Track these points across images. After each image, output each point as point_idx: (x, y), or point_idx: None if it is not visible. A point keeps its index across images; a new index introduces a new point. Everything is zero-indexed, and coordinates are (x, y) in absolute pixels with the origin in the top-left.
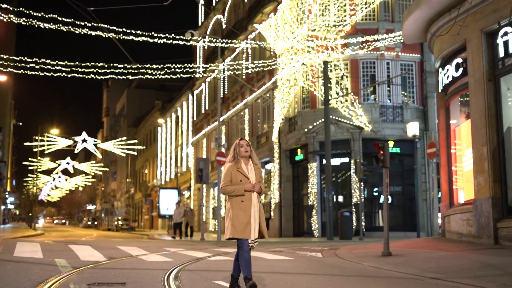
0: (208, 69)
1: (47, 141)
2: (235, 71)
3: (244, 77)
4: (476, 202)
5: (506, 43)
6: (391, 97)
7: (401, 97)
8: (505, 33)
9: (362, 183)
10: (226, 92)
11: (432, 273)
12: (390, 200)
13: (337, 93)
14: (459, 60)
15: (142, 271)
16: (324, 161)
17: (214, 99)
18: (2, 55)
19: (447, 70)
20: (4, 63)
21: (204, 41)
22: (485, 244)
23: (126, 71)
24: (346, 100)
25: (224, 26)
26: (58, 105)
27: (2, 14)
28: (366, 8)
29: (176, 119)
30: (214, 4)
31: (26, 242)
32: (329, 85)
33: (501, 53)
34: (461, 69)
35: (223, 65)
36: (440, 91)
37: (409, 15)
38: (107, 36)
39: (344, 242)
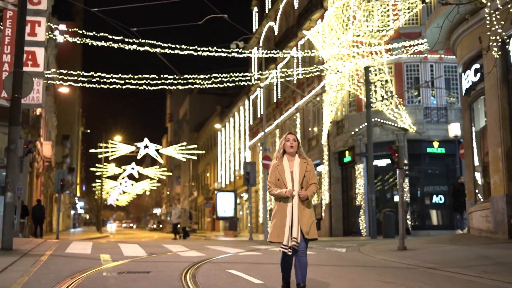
0: (261, 77)
1: (111, 147)
2: (279, 78)
3: (295, 82)
4: (492, 199)
5: None
6: (436, 98)
7: (445, 99)
8: None
9: (404, 183)
10: (279, 97)
11: (429, 264)
12: (442, 200)
13: (382, 96)
14: (477, 65)
15: (171, 263)
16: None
17: (269, 103)
18: (61, 70)
19: (468, 75)
20: (64, 78)
21: (250, 51)
22: (501, 239)
23: (175, 82)
24: (391, 103)
25: (276, 32)
26: (124, 111)
27: (57, 34)
28: (408, 12)
29: (234, 123)
30: (267, 12)
31: (81, 241)
32: (374, 88)
33: None
34: (479, 74)
35: (276, 71)
36: (463, 94)
37: (430, 24)
38: (154, 51)
39: (385, 240)
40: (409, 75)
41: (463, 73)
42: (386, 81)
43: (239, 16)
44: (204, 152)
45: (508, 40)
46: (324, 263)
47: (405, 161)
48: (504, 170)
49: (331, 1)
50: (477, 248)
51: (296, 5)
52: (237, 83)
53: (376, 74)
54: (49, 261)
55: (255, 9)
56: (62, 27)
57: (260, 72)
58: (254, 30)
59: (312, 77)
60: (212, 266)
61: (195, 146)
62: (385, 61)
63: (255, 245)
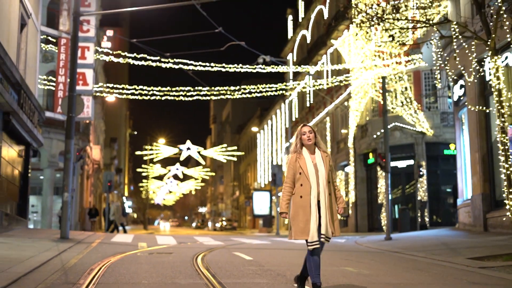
0: (286, 87)
1: (155, 150)
2: (311, 85)
3: (325, 88)
4: (472, 197)
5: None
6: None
7: None
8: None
9: (418, 183)
10: (311, 102)
11: (397, 249)
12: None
13: (402, 102)
14: (462, 82)
15: (193, 248)
16: (392, 164)
17: (302, 107)
18: (107, 84)
19: (456, 89)
20: (111, 90)
21: (273, 67)
22: (477, 232)
23: (208, 93)
24: (410, 108)
25: (308, 40)
26: (170, 113)
27: (104, 56)
28: (426, 25)
29: (272, 126)
30: (300, 20)
31: (124, 234)
32: (394, 95)
33: (487, 77)
34: (463, 89)
35: (308, 77)
36: (454, 106)
37: (423, 44)
38: (187, 70)
39: (397, 235)
40: (427, 82)
41: (452, 87)
42: (406, 88)
43: (275, 22)
44: (244, 153)
45: (483, 62)
46: None
47: (423, 163)
48: (481, 172)
49: (355, 13)
50: (444, 238)
51: (325, 15)
52: (264, 94)
53: (396, 82)
54: (97, 246)
55: (290, 17)
56: (110, 33)
57: (285, 84)
58: (289, 37)
59: (340, 84)
60: (223, 250)
61: (235, 148)
62: (405, 69)
63: (274, 237)
